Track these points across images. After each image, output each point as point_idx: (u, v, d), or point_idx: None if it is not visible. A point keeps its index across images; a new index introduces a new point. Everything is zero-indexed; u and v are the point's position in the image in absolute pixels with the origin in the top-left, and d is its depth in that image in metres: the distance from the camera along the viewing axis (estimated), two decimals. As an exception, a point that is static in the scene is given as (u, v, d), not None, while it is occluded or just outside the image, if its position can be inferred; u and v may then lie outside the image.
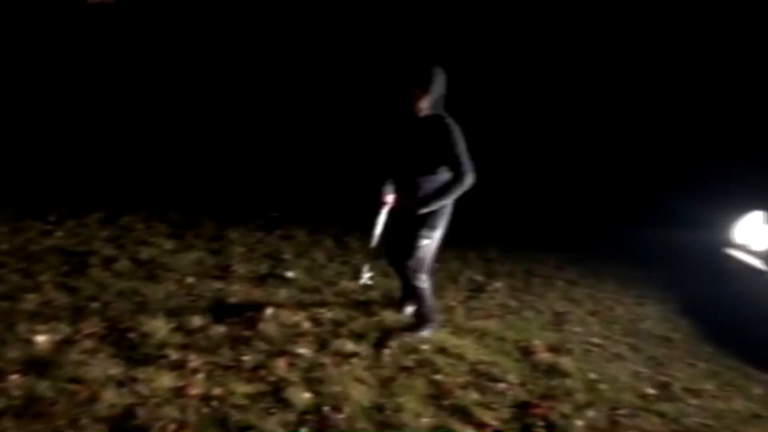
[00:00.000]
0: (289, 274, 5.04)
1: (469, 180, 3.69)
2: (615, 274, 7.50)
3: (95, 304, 3.79)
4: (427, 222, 3.86)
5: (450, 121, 3.73)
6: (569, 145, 12.20)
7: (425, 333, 4.13)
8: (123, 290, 4.10)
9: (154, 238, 5.50)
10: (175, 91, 11.23)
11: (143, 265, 4.75)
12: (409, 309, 4.48)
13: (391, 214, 4.03)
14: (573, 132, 12.39)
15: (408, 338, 3.98)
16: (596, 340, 4.85)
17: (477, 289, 5.66)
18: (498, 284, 5.96)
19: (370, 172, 4.17)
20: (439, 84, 3.72)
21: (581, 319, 5.39)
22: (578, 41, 12.41)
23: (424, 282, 4.10)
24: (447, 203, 3.84)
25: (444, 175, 3.80)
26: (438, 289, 5.34)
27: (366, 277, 4.32)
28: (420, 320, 4.20)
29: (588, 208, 10.69)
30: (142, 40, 11.34)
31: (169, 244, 5.38)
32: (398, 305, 4.55)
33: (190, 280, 4.54)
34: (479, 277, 6.09)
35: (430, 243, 3.97)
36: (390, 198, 3.99)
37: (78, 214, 5.86)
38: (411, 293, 4.41)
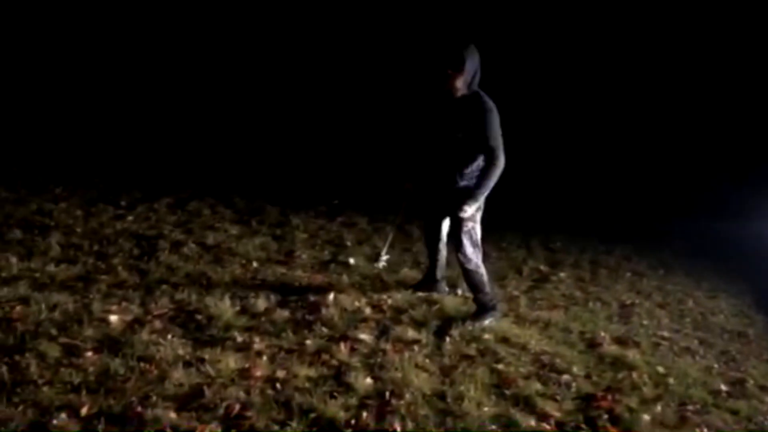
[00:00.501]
0: (351, 260, 5.07)
1: (501, 161, 3.67)
2: (685, 266, 7.25)
3: (164, 287, 3.90)
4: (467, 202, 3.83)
5: (487, 99, 3.69)
6: (641, 135, 11.86)
7: (487, 321, 4.05)
8: (190, 273, 4.21)
9: (220, 224, 5.63)
10: (239, 80, 11.43)
11: (210, 249, 4.87)
12: (421, 294, 4.44)
13: (426, 199, 4.07)
14: (646, 121, 12.04)
15: (469, 327, 3.94)
16: (665, 334, 4.70)
17: (541, 279, 5.57)
18: (563, 274, 5.85)
19: (399, 156, 4.17)
20: (472, 63, 3.65)
21: (649, 312, 5.23)
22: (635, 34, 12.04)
23: (478, 268, 4.03)
24: (489, 189, 3.79)
25: (480, 158, 3.78)
26: (501, 278, 5.29)
27: (384, 259, 4.48)
28: (480, 308, 4.13)
29: (657, 199, 10.37)
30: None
31: (234, 230, 5.50)
32: (414, 286, 4.51)
33: (254, 264, 4.63)
34: (543, 267, 5.99)
35: (474, 226, 3.94)
36: (412, 184, 4.06)
37: (148, 199, 6.06)
38: (433, 279, 4.45)
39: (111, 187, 6.36)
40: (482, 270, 4.06)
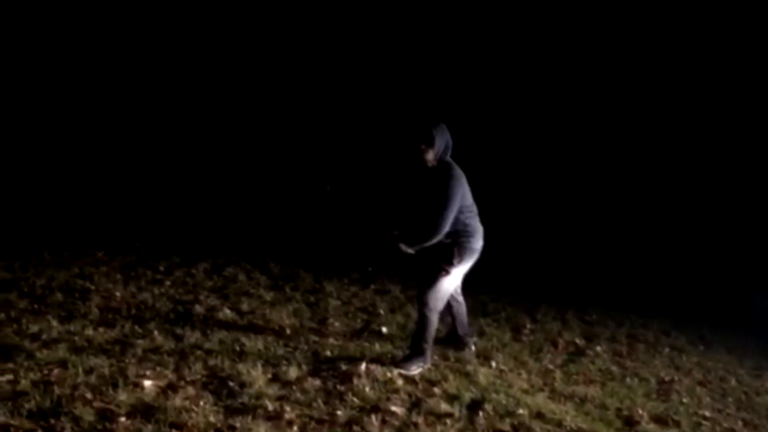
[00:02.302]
0: (384, 329, 5.06)
1: (440, 230, 3.97)
2: (727, 342, 7.05)
3: (198, 352, 3.93)
4: (445, 257, 4.10)
5: (455, 168, 4.08)
6: (682, 204, 11.74)
7: (414, 369, 4.11)
8: (224, 339, 4.24)
9: (255, 289, 5.70)
10: (270, 147, 11.75)
11: (244, 315, 4.91)
12: (473, 344, 4.71)
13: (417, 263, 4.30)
14: (687, 190, 11.92)
15: (397, 371, 4.02)
16: (706, 413, 4.54)
17: (577, 353, 5.46)
18: (599, 348, 5.73)
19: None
20: (441, 137, 4.08)
21: (690, 390, 5.07)
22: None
23: (433, 315, 4.16)
24: (420, 247, 4.06)
25: (458, 221, 4.06)
26: (536, 350, 5.21)
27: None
28: (413, 352, 4.20)
29: (695, 272, 10.17)
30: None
31: (269, 296, 5.55)
32: (458, 344, 4.68)
33: (287, 331, 4.65)
34: (579, 340, 5.88)
35: (447, 277, 4.11)
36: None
37: (186, 264, 6.17)
38: (455, 335, 4.68)
39: (150, 251, 6.51)
40: (435, 319, 4.19)
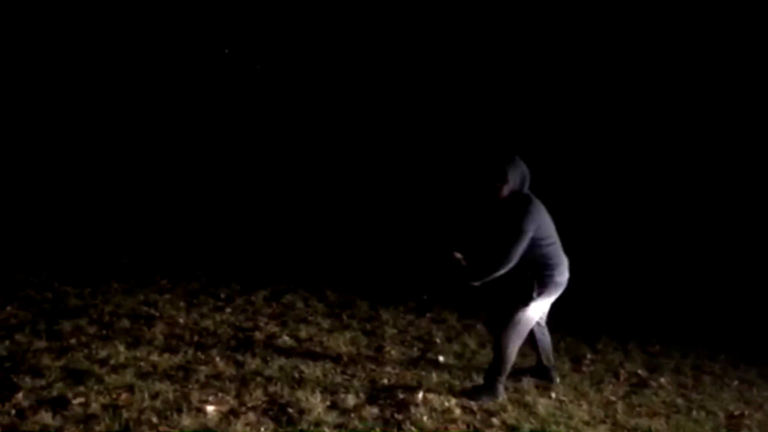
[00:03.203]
0: (441, 358, 5.05)
1: (505, 265, 3.89)
2: (801, 375, 6.71)
3: (259, 378, 4.02)
4: (525, 291, 4.06)
5: (531, 202, 3.98)
6: (752, 235, 11.32)
7: (484, 400, 4.10)
8: (284, 366, 4.31)
9: (312, 317, 5.78)
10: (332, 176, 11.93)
11: (302, 342, 4.99)
12: (556, 378, 4.74)
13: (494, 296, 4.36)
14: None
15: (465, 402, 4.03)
16: (780, 450, 4.34)
17: (639, 384, 5.30)
18: (663, 380, 5.55)
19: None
20: (514, 174, 3.99)
21: (762, 425, 4.85)
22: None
23: (509, 350, 4.11)
24: (483, 281, 4.00)
25: (536, 253, 3.99)
26: (596, 381, 5.10)
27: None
28: (485, 385, 4.20)
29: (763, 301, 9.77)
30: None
31: (326, 323, 5.62)
32: (544, 376, 4.68)
33: (345, 359, 4.69)
34: (641, 371, 5.71)
35: (526, 312, 4.08)
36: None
37: (246, 291, 6.32)
38: (540, 365, 4.65)
39: (211, 278, 6.68)
40: (512, 353, 4.14)
